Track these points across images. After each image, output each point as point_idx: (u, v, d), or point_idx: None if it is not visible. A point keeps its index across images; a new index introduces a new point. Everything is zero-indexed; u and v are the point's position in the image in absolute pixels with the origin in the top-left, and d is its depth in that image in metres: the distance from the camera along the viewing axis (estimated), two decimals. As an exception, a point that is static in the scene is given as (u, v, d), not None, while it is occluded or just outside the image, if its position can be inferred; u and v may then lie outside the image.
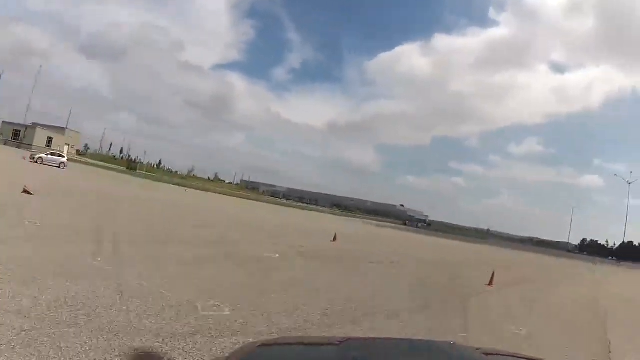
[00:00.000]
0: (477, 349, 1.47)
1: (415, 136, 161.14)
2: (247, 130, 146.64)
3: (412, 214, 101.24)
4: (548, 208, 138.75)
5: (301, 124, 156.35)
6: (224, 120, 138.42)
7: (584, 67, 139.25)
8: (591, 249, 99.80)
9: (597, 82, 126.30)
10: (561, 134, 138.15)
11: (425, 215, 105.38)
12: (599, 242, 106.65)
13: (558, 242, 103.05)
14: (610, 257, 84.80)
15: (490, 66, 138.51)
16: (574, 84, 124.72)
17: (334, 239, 14.99)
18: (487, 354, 1.36)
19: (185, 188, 46.83)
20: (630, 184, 66.05)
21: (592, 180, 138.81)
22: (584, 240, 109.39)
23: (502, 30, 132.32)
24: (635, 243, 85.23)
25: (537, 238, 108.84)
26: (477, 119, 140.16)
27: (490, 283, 9.91)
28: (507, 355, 1.66)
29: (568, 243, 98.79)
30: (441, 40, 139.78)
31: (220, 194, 54.59)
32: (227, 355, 1.28)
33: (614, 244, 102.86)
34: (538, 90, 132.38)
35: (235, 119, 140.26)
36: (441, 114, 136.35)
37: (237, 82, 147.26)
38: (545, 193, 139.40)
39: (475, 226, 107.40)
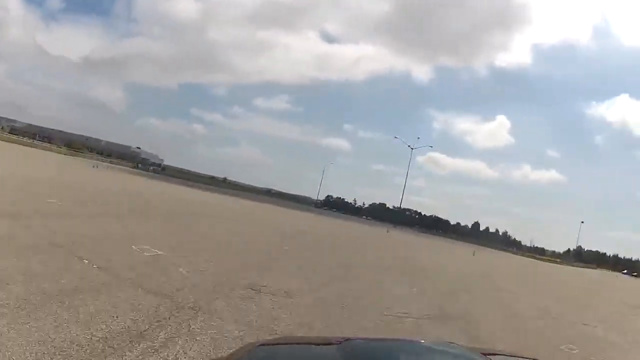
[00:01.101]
0: (477, 349, 1.51)
1: (164, 78, 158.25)
2: (4, 61, 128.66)
3: (146, 157, 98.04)
4: (290, 163, 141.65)
5: (59, 56, 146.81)
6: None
7: (357, 43, 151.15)
8: (337, 206, 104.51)
9: (366, 58, 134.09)
10: (315, 97, 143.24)
11: (161, 159, 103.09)
12: (345, 200, 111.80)
13: (299, 196, 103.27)
14: (365, 217, 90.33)
15: (257, 23, 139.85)
16: (341, 55, 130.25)
17: None
18: (486, 354, 1.39)
19: None
20: (413, 150, 65.56)
21: (339, 143, 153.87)
22: (329, 196, 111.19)
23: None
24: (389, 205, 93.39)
25: (275, 189, 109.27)
26: (230, 70, 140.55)
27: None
28: (506, 356, 1.71)
29: (316, 199, 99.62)
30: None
31: None
32: (226, 355, 1.25)
33: (363, 204, 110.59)
34: (302, 54, 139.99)
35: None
36: (194, 60, 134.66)
37: (14, 6, 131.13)
38: (289, 149, 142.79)
39: (212, 174, 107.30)
